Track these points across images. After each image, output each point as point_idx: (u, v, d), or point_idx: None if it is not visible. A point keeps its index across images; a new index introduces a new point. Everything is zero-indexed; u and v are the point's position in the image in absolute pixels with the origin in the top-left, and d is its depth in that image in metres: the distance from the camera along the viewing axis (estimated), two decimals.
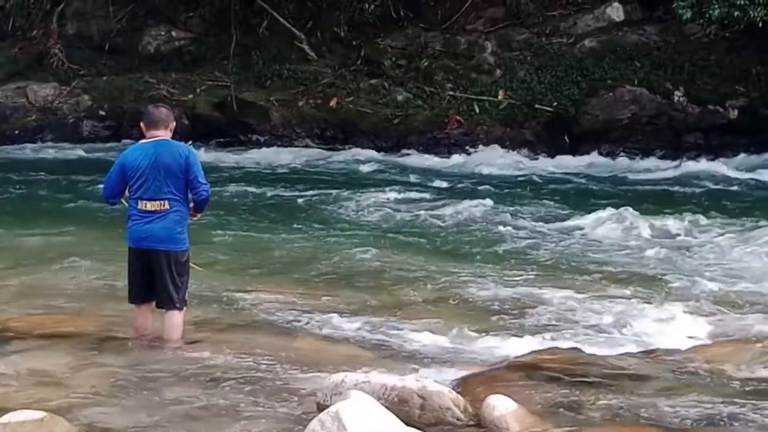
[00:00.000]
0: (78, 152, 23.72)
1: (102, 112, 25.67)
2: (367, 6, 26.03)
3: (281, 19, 26.12)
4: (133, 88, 25.96)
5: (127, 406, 7.70)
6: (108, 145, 24.05)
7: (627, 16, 25.00)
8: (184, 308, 9.47)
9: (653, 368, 8.37)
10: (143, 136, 9.51)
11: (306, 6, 26.54)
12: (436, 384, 7.36)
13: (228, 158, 22.91)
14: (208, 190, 9.39)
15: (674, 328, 9.93)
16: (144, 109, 9.84)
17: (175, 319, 9.40)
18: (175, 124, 9.62)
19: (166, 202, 9.25)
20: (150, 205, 9.25)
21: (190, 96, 25.68)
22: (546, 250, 14.01)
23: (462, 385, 8.02)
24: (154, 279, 9.36)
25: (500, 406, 6.97)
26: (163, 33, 27.42)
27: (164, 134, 9.40)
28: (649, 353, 8.93)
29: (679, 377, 8.19)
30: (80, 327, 9.84)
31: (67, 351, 9.11)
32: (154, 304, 9.52)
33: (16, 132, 25.42)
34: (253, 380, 8.29)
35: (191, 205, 9.45)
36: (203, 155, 22.84)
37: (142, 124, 9.54)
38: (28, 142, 24.97)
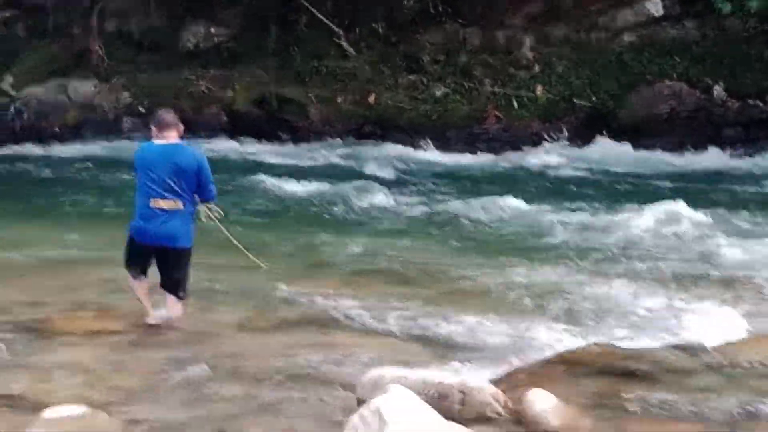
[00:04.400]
0: (118, 148, 23.78)
1: (142, 109, 25.70)
2: (405, 2, 26.04)
3: (320, 16, 26.14)
4: (172, 84, 26.05)
5: (167, 402, 7.74)
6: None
7: (666, 10, 24.88)
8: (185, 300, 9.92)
9: (693, 363, 8.31)
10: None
11: (344, 2, 26.56)
12: (476, 379, 7.34)
13: (267, 154, 22.94)
14: (215, 193, 9.90)
15: (715, 323, 9.87)
16: (155, 112, 10.15)
17: (173, 300, 9.83)
18: (183, 128, 9.91)
19: (179, 200, 9.57)
20: (164, 203, 9.56)
21: (229, 92, 25.76)
22: (587, 245, 13.95)
23: (502, 380, 7.99)
24: (162, 268, 9.76)
25: (540, 401, 6.96)
26: (202, 30, 27.48)
27: (175, 137, 9.74)
28: (688, 348, 8.85)
29: (719, 372, 8.13)
30: (120, 323, 9.90)
31: (108, 346, 9.19)
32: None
33: (57, 129, 25.58)
34: (293, 376, 8.31)
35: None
36: (241, 150, 22.94)
37: (153, 127, 9.87)
38: (68, 138, 25.11)
